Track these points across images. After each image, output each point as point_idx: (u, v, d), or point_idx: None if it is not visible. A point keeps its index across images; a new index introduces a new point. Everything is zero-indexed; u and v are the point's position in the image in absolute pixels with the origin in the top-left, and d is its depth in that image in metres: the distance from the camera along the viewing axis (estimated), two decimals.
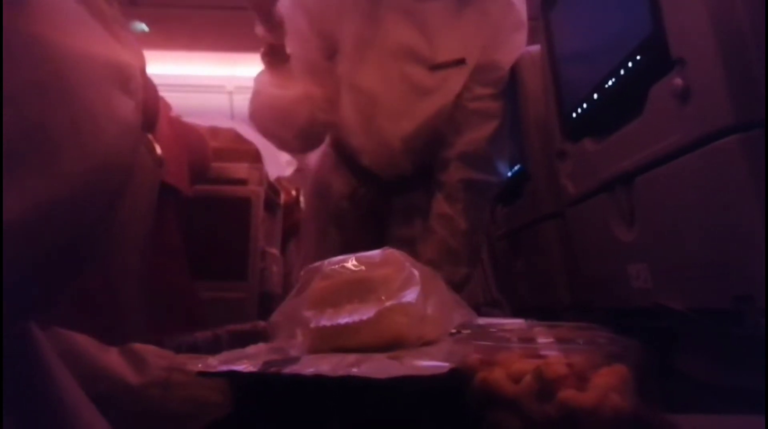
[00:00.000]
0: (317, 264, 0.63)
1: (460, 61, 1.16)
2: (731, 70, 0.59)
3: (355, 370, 0.46)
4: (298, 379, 0.47)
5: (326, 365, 0.48)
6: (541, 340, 0.48)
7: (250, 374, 0.48)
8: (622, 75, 0.77)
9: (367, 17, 1.20)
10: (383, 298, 0.56)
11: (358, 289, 0.57)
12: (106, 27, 0.29)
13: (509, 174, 1.27)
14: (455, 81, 1.17)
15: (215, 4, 3.03)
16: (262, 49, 1.33)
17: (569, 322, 0.57)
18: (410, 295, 0.56)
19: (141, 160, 1.17)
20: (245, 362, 0.51)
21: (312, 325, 0.57)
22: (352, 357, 0.50)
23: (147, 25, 3.24)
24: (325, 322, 0.56)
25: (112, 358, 0.51)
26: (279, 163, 1.86)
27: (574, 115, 0.92)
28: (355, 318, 0.55)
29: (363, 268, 0.60)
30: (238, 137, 1.79)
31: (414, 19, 1.17)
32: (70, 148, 0.24)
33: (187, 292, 1.48)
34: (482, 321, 0.70)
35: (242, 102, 4.18)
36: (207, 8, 3.06)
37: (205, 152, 1.58)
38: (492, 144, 1.19)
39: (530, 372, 0.39)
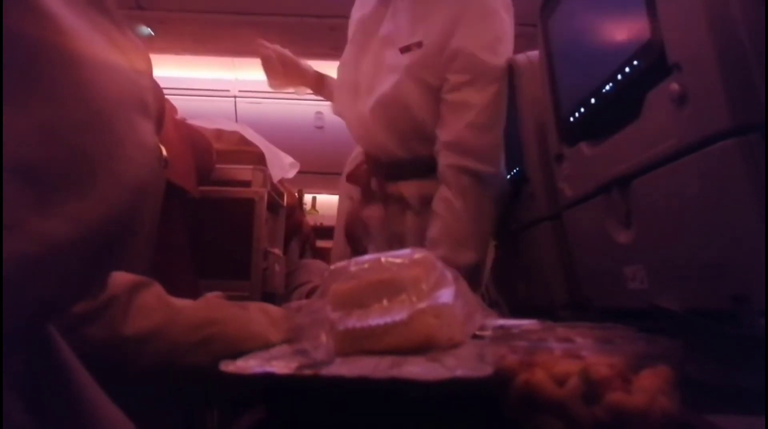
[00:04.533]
0: (342, 264, 0.61)
1: (418, 44, 1.34)
2: (728, 75, 0.61)
3: (399, 372, 0.45)
4: (335, 382, 0.46)
5: (364, 367, 0.46)
6: (580, 340, 0.47)
7: (286, 376, 0.47)
8: (620, 80, 0.79)
9: (369, 9, 1.48)
10: (414, 299, 0.55)
11: (386, 289, 0.56)
12: (124, 56, 0.31)
13: (508, 176, 1.29)
14: (410, 59, 1.34)
15: (220, 9, 3.05)
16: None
17: (571, 322, 0.57)
18: (446, 297, 0.55)
19: None
20: (279, 363, 0.50)
21: (340, 327, 0.55)
22: (387, 360, 0.49)
23: (152, 28, 3.26)
24: (354, 323, 0.54)
25: (256, 318, 0.64)
26: (282, 166, 1.88)
27: (571, 119, 0.93)
28: (387, 319, 0.53)
29: (391, 268, 0.58)
30: (242, 140, 1.81)
31: (394, 9, 1.41)
32: (106, 175, 0.27)
33: (192, 290, 1.49)
34: (501, 322, 0.71)
35: (246, 105, 4.22)
36: (212, 12, 3.08)
37: (209, 154, 1.60)
38: (474, 131, 1.26)
39: (575, 373, 0.38)
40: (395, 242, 1.42)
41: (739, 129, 0.59)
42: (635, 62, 0.75)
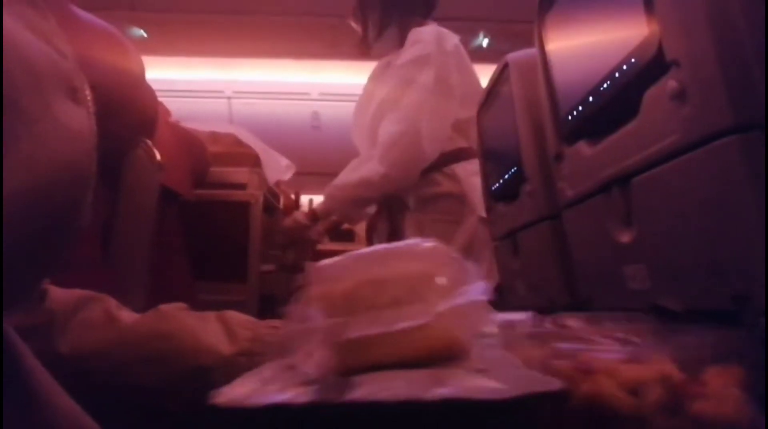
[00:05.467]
0: (332, 260, 0.49)
1: None
2: (727, 71, 0.60)
3: (459, 391, 0.34)
4: (371, 409, 0.35)
5: (398, 387, 0.36)
6: (635, 338, 0.41)
7: (305, 407, 0.36)
8: (618, 78, 0.78)
9: None
10: (431, 297, 0.44)
11: (392, 288, 0.45)
12: (44, 40, 0.29)
13: (506, 175, 1.28)
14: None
15: (214, 9, 3.04)
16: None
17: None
18: (476, 293, 0.44)
19: (141, 165, 1.18)
20: (282, 389, 0.39)
21: (339, 336, 0.43)
22: (420, 374, 0.39)
23: (146, 30, 3.25)
24: (359, 331, 0.42)
25: (211, 329, 0.58)
26: (278, 167, 1.87)
27: (569, 118, 0.93)
28: (403, 324, 0.41)
29: (394, 262, 0.47)
30: (237, 142, 1.80)
31: None
32: (10, 156, 0.25)
33: (189, 294, 1.49)
34: (502, 317, 0.64)
35: (241, 107, 4.21)
36: (206, 13, 3.07)
37: (204, 157, 1.59)
38: None
39: (650, 381, 0.33)
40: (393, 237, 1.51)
41: (739, 126, 0.59)
42: (633, 59, 0.74)
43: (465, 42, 1.75)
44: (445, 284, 0.45)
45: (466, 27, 1.88)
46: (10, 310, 0.28)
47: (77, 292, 0.58)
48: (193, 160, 1.53)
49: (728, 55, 0.60)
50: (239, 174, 1.69)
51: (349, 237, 2.78)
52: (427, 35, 1.66)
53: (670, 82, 0.66)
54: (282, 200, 1.97)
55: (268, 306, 1.67)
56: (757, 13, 0.58)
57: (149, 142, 1.19)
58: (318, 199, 4.21)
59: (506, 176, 1.31)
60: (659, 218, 0.74)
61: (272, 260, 1.93)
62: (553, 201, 1.06)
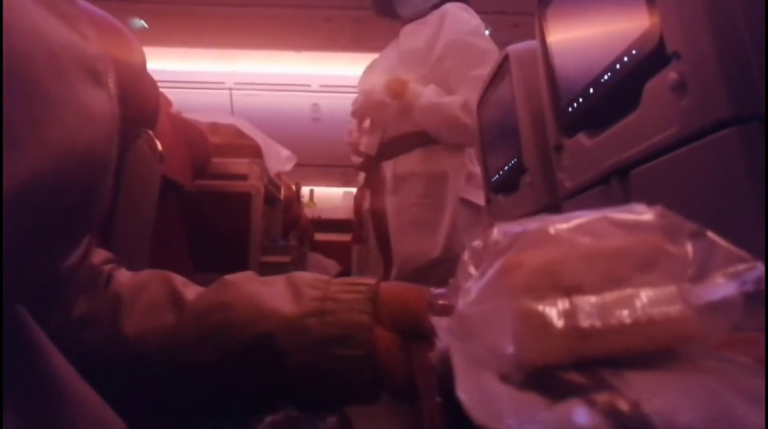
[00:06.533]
0: (531, 224, 0.37)
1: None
2: (727, 63, 0.60)
3: None
4: None
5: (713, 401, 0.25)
6: None
7: None
8: (618, 69, 0.78)
9: None
10: (663, 280, 0.33)
11: (607, 264, 0.34)
12: (66, 23, 0.30)
13: (506, 167, 1.28)
14: None
15: (215, 1, 3.03)
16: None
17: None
18: (750, 281, 0.32)
19: (142, 156, 1.18)
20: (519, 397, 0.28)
21: (555, 322, 0.31)
22: (700, 378, 0.29)
23: (147, 21, 3.24)
24: (589, 317, 0.31)
25: (275, 292, 0.52)
26: (279, 158, 1.87)
27: (570, 109, 0.93)
28: (649, 312, 0.31)
29: (608, 231, 0.36)
30: (238, 133, 1.80)
31: None
32: (30, 139, 0.25)
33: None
34: None
35: (242, 98, 4.20)
36: (207, 5, 3.06)
37: (205, 148, 1.59)
38: None
39: None
40: (380, 225, 1.50)
41: (738, 118, 0.59)
42: (634, 51, 0.74)
43: None
44: (688, 261, 0.34)
45: None
46: (28, 291, 0.28)
47: (144, 274, 0.56)
48: (194, 151, 1.54)
49: (728, 47, 0.60)
50: (240, 165, 1.70)
51: (347, 229, 2.79)
52: (467, 11, 1.66)
53: (670, 74, 0.66)
54: (283, 191, 1.97)
55: None
56: (756, 6, 0.58)
57: (151, 133, 1.19)
58: (318, 190, 4.21)
59: (506, 168, 1.31)
60: None
61: (281, 251, 1.94)
62: (553, 192, 1.06)
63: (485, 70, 1.40)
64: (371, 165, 1.65)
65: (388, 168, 1.58)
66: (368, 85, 1.66)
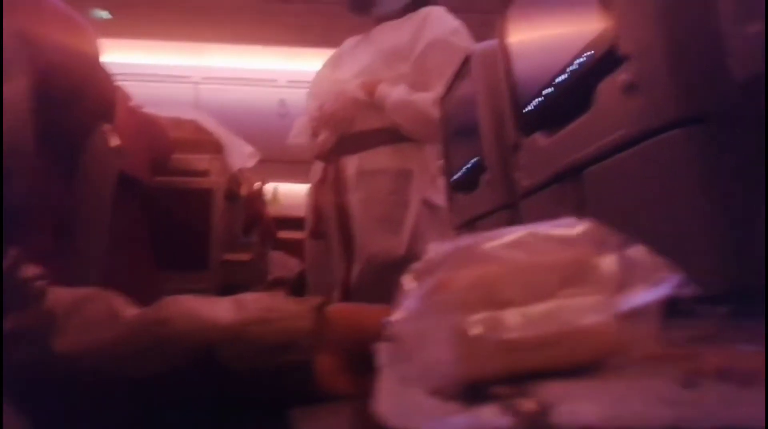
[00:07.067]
0: (462, 242, 0.38)
1: None
2: (675, 66, 0.61)
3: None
4: None
5: (646, 411, 0.26)
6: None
7: None
8: (574, 70, 0.79)
9: None
10: (590, 291, 0.34)
11: (539, 278, 0.35)
12: None
13: (468, 165, 1.29)
14: None
15: None
16: None
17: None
18: (668, 288, 0.34)
19: (98, 150, 1.16)
20: (438, 406, 0.29)
21: (487, 335, 0.32)
22: (614, 385, 0.30)
23: (110, 11, 3.17)
24: (515, 332, 0.32)
25: (217, 306, 0.51)
26: (242, 155, 1.85)
27: (527, 108, 0.94)
28: (589, 321, 0.32)
29: (538, 246, 0.37)
30: (199, 128, 1.77)
31: None
32: None
33: (150, 282, 1.47)
34: None
35: (209, 93, 4.14)
36: None
37: (165, 143, 1.56)
38: None
39: None
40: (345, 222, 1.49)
41: (685, 119, 0.60)
42: (589, 52, 0.75)
43: None
44: (612, 273, 0.35)
45: None
46: None
47: (80, 291, 0.55)
48: (154, 146, 1.51)
49: (676, 50, 0.62)
50: (201, 161, 1.67)
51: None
52: (447, 13, 1.65)
53: (622, 75, 0.67)
54: (245, 188, 1.95)
55: (231, 294, 1.65)
56: (706, 11, 0.60)
57: (107, 127, 1.16)
58: (284, 186, 4.18)
59: (467, 166, 1.32)
60: (609, 209, 0.75)
61: (242, 249, 1.91)
62: (510, 191, 1.07)
63: None
64: (329, 159, 1.63)
65: (351, 163, 1.56)
66: (337, 86, 1.66)
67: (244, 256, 1.87)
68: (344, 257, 1.56)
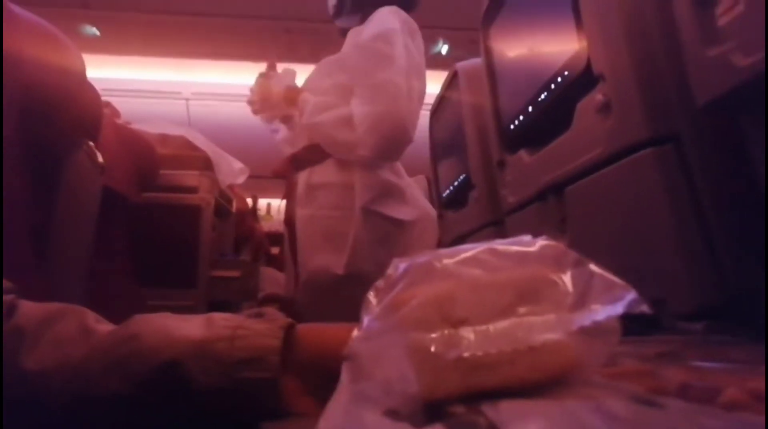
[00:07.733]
0: (421, 258, 0.39)
1: None
2: (645, 87, 0.62)
3: None
4: None
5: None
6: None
7: None
8: (553, 89, 0.80)
9: None
10: (546, 308, 0.35)
11: (495, 295, 0.35)
12: None
13: (455, 182, 1.30)
14: None
15: (169, 9, 2.99)
16: None
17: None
18: (613, 310, 0.33)
19: (82, 167, 1.15)
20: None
21: (445, 354, 0.33)
22: (568, 403, 0.30)
23: (98, 28, 3.17)
24: (471, 349, 0.33)
25: (186, 324, 0.51)
26: (231, 171, 1.84)
27: (511, 126, 0.94)
28: (543, 339, 0.33)
29: (495, 263, 0.37)
30: (188, 144, 1.77)
31: None
32: None
33: (133, 299, 1.45)
34: None
35: (199, 108, 4.13)
36: (161, 13, 3.02)
37: (153, 159, 1.56)
38: None
39: None
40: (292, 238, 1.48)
41: (656, 139, 0.61)
42: (566, 72, 0.76)
43: (425, 49, 1.71)
44: (568, 291, 0.35)
45: (426, 34, 1.89)
46: None
47: (52, 306, 0.55)
48: (141, 162, 1.50)
49: (646, 71, 0.62)
50: (189, 177, 1.66)
51: None
52: (391, 13, 1.57)
53: (597, 95, 0.68)
54: (235, 204, 1.94)
55: (219, 312, 1.64)
56: (673, 32, 0.60)
57: (91, 144, 1.16)
58: (276, 202, 4.17)
59: (456, 183, 1.32)
60: (589, 226, 0.76)
61: (231, 266, 1.90)
62: (497, 207, 1.07)
63: (386, 76, 1.32)
64: (287, 174, 1.61)
65: (302, 178, 1.52)
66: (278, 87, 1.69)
67: (232, 273, 1.86)
68: (293, 274, 1.53)
